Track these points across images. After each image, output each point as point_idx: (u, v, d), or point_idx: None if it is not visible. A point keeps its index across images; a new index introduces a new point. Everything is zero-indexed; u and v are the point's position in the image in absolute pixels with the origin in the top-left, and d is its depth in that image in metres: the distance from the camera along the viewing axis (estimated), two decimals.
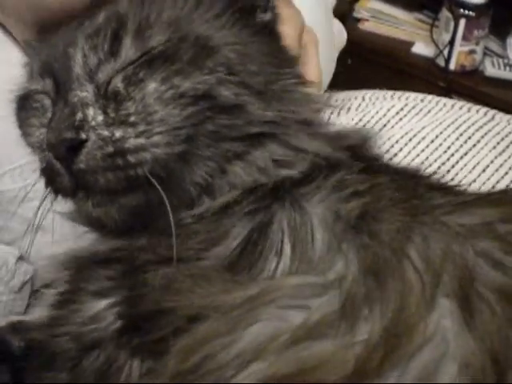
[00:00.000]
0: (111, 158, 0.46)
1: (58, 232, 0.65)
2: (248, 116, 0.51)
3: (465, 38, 1.71)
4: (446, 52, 1.76)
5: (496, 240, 0.41)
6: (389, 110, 0.80)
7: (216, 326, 0.41)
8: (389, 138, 0.75)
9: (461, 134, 0.74)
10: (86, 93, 0.48)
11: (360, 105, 0.83)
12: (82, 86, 0.49)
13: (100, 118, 0.47)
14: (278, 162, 0.52)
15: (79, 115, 0.47)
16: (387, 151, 0.73)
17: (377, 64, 1.92)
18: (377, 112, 0.80)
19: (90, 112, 0.47)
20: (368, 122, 0.78)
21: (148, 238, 0.50)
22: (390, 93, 0.84)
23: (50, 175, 0.50)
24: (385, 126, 0.78)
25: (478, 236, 0.41)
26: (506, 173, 0.70)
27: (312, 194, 0.47)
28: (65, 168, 0.47)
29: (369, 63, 1.94)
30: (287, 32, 0.61)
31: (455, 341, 0.36)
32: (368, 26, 1.96)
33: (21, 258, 0.67)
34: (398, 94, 0.83)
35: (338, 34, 0.93)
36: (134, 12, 0.51)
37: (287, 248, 0.44)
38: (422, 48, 1.87)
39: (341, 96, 0.87)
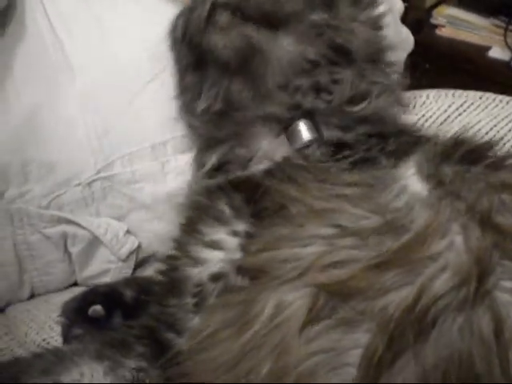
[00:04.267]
0: None
1: (160, 210, 0.77)
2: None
3: None
4: None
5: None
6: (449, 107, 0.89)
7: (287, 232, 0.53)
8: (448, 131, 0.84)
9: None
10: None
11: (424, 102, 0.92)
12: None
13: None
14: None
15: None
16: None
17: (454, 68, 1.97)
18: (438, 108, 0.89)
19: None
20: (430, 117, 0.87)
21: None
22: (451, 91, 0.93)
23: (187, 19, 0.66)
24: (445, 120, 0.87)
25: (503, 190, 0.51)
26: None
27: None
28: None
29: (446, 68, 1.99)
30: None
31: (455, 257, 0.46)
32: (445, 31, 2.02)
33: (128, 232, 0.79)
34: (459, 92, 0.92)
35: (406, 38, 1.01)
36: None
37: None
38: (498, 52, 1.91)
39: (407, 94, 0.96)
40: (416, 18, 2.01)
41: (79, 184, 0.76)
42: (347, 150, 0.63)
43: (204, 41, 0.64)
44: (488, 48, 1.93)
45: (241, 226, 0.59)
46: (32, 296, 0.82)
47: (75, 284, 0.82)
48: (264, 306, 0.49)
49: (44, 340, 0.72)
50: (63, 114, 0.76)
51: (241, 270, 0.56)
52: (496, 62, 1.90)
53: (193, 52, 0.67)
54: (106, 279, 0.79)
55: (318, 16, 0.64)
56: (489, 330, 0.44)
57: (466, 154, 0.57)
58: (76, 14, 0.80)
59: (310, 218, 0.53)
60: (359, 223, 0.51)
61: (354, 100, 0.65)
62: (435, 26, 2.04)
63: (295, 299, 0.48)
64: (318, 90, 0.64)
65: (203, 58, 0.66)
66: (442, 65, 2.01)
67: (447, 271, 0.46)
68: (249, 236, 0.58)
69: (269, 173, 0.61)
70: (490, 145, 0.60)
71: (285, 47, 0.63)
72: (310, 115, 0.64)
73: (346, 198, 0.54)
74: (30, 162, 0.75)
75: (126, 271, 0.80)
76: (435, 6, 2.10)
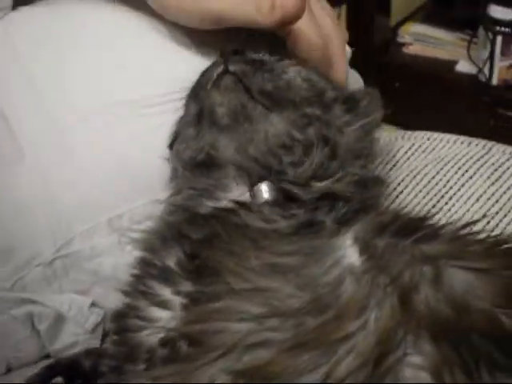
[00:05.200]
0: (254, 62, 0.71)
1: (122, 281, 0.79)
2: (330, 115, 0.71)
3: (503, 53, 1.78)
4: (487, 68, 1.83)
5: (432, 268, 0.53)
6: (398, 151, 0.91)
7: (220, 305, 0.55)
8: (396, 178, 0.86)
9: (459, 168, 0.84)
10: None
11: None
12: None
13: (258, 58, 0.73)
14: None
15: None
16: (394, 189, 0.85)
17: (423, 85, 2.00)
18: (387, 154, 0.91)
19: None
20: (380, 163, 0.90)
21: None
22: (401, 133, 0.95)
23: (203, 75, 0.74)
24: (394, 166, 0.89)
25: (425, 262, 0.53)
26: (497, 201, 0.79)
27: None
28: (224, 59, 0.72)
29: (416, 85, 2.03)
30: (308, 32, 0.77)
31: (363, 337, 0.49)
32: (412, 49, 2.05)
33: (93, 304, 0.80)
34: (408, 133, 0.94)
35: (355, 83, 1.03)
36: None
37: None
38: (465, 66, 1.94)
39: None
40: (382, 38, 2.05)
41: (40, 264, 0.78)
42: (295, 209, 0.66)
43: (206, 96, 0.71)
44: (455, 62, 1.97)
45: (184, 286, 0.62)
46: (9, 370, 0.84)
47: (49, 356, 0.84)
48: None
49: None
50: (17, 199, 0.78)
51: (181, 336, 0.59)
52: (464, 76, 1.94)
53: (196, 104, 0.73)
54: (76, 350, 0.81)
55: (311, 110, 0.69)
56: None
57: (401, 227, 0.59)
58: (20, 90, 0.82)
59: (245, 295, 0.56)
60: (286, 302, 0.53)
61: (318, 177, 0.68)
62: (402, 45, 2.07)
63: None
64: (291, 162, 0.68)
65: (203, 112, 0.72)
66: (412, 82, 2.04)
67: (353, 353, 0.48)
68: (190, 296, 0.61)
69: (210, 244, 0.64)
70: (425, 218, 0.62)
71: (274, 124, 0.68)
72: (276, 178, 0.68)
73: (281, 271, 0.57)
74: None
75: (95, 342, 0.81)
76: (401, 23, 2.13)
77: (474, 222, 0.63)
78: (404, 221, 0.60)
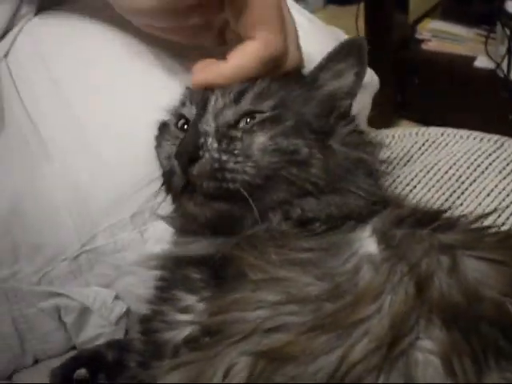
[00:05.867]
0: (215, 171, 0.65)
1: (144, 275, 0.82)
2: (310, 174, 0.68)
3: None
4: (505, 64, 1.84)
5: (449, 257, 0.55)
6: (412, 146, 0.93)
7: (239, 296, 0.58)
8: (410, 173, 0.88)
9: (471, 163, 0.86)
10: (209, 127, 0.68)
11: (390, 142, 0.96)
12: (208, 121, 0.68)
13: (215, 145, 0.66)
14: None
15: (201, 140, 0.66)
16: (408, 184, 0.87)
17: (442, 80, 2.01)
18: (402, 149, 0.93)
19: (209, 140, 0.66)
20: (395, 158, 0.92)
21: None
22: (415, 129, 0.97)
23: (169, 176, 0.70)
24: (408, 161, 0.91)
25: (442, 252, 0.55)
26: (508, 195, 0.81)
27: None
28: (182, 171, 0.66)
29: (435, 81, 2.04)
30: None
31: (377, 321, 0.51)
32: (431, 45, 2.06)
33: (116, 297, 0.83)
34: (422, 130, 0.96)
35: (371, 81, 1.05)
36: (257, 83, 0.70)
37: None
38: (484, 61, 1.95)
39: (375, 134, 1.00)
40: (401, 34, 2.06)
41: (66, 259, 0.82)
42: (317, 223, 0.66)
43: (181, 204, 0.71)
44: (473, 58, 1.97)
45: (207, 293, 0.64)
46: (36, 361, 0.87)
47: (74, 347, 0.88)
48: (216, 370, 0.53)
49: None
50: (45, 200, 0.81)
51: (203, 331, 0.61)
52: (482, 72, 1.94)
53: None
54: (100, 342, 0.85)
55: (287, 171, 0.67)
56: None
57: (418, 219, 0.61)
58: (49, 97, 0.85)
59: (263, 285, 0.58)
60: (304, 290, 0.55)
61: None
62: (421, 41, 2.08)
63: (240, 365, 0.52)
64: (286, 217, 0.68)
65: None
66: (431, 78, 2.05)
67: (367, 336, 0.50)
68: (213, 299, 0.63)
69: (236, 245, 0.65)
70: (441, 211, 0.64)
71: (256, 201, 0.65)
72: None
73: (300, 264, 0.59)
74: (19, 244, 0.80)
75: (119, 333, 0.84)
76: (419, 20, 2.14)
77: (487, 215, 0.65)
78: (421, 213, 0.63)
